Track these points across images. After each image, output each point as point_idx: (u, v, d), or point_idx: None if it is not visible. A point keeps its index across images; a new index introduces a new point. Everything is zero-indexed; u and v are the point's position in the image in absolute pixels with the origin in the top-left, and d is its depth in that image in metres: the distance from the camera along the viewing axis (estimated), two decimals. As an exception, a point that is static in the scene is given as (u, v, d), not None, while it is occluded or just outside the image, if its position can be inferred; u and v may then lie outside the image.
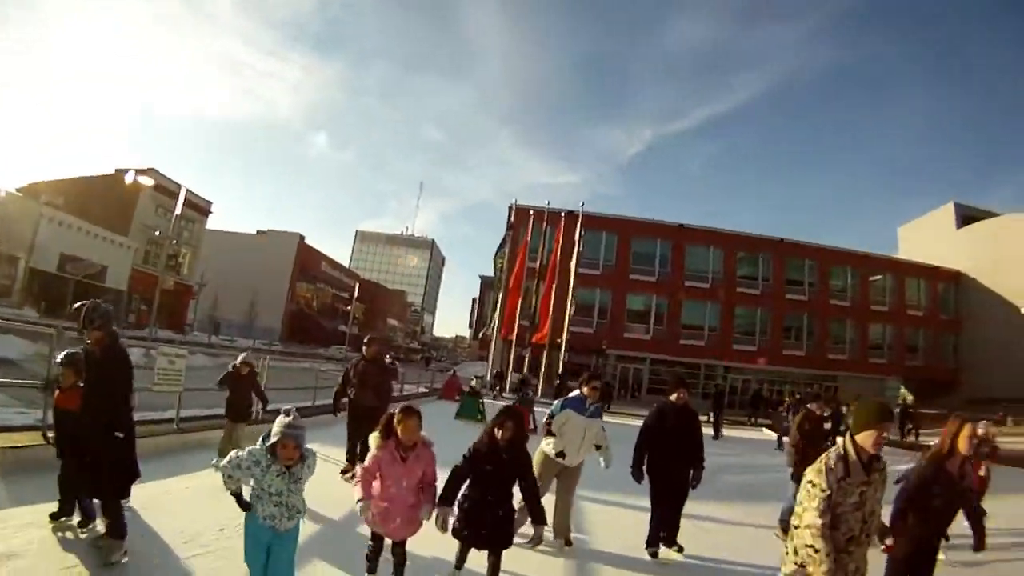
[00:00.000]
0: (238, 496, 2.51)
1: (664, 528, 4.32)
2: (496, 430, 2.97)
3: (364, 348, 5.84)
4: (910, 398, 33.38)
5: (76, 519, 3.29)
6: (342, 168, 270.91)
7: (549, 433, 4.30)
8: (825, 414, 6.29)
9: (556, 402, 4.44)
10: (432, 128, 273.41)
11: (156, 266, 32.41)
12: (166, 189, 33.25)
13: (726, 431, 15.73)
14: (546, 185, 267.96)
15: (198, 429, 5.91)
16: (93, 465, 3.06)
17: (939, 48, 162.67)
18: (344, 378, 5.80)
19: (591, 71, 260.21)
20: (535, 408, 11.50)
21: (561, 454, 4.22)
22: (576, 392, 4.40)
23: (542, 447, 4.30)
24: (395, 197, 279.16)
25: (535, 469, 3.99)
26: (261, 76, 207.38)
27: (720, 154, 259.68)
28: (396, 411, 2.83)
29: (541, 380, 25.36)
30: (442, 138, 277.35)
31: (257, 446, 2.45)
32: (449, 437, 5.00)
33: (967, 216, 38.39)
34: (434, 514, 2.79)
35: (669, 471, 4.25)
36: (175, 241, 28.14)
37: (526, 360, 25.93)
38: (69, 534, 3.21)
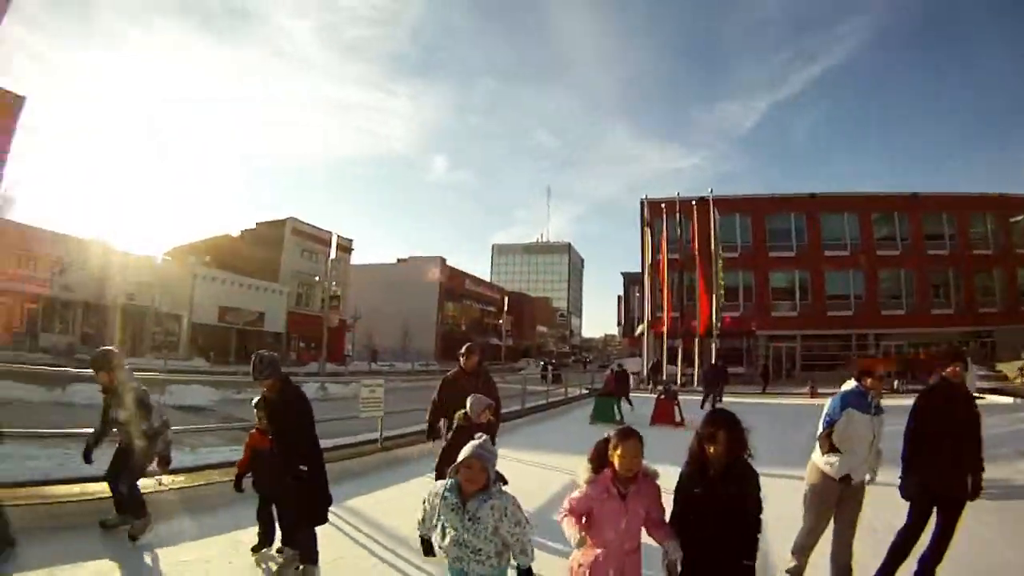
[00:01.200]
0: (425, 541, 2.28)
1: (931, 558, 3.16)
2: (706, 444, 2.24)
3: (462, 359, 4.90)
4: None
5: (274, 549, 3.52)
6: (464, 186, 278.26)
7: (832, 449, 3.13)
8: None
9: (831, 401, 3.27)
10: (545, 135, 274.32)
11: (309, 306, 35.38)
12: (307, 234, 36.09)
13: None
14: (669, 171, 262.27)
15: (400, 446, 6.80)
16: (287, 499, 3.30)
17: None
18: (440, 394, 4.86)
19: (688, 51, 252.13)
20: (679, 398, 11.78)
21: (847, 477, 3.12)
22: (851, 384, 3.27)
23: (819, 467, 3.23)
24: (522, 206, 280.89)
25: (806, 501, 3.30)
26: (371, 112, 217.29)
27: (839, 113, 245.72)
28: (611, 435, 2.27)
29: (696, 369, 25.99)
30: (556, 143, 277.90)
31: (450, 479, 2.14)
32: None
33: None
34: (676, 556, 2.17)
35: (949, 479, 3.13)
36: (334, 283, 30.53)
37: (679, 351, 26.54)
38: (272, 564, 3.46)
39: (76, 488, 3.99)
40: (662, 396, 11.92)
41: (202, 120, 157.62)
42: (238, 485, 3.60)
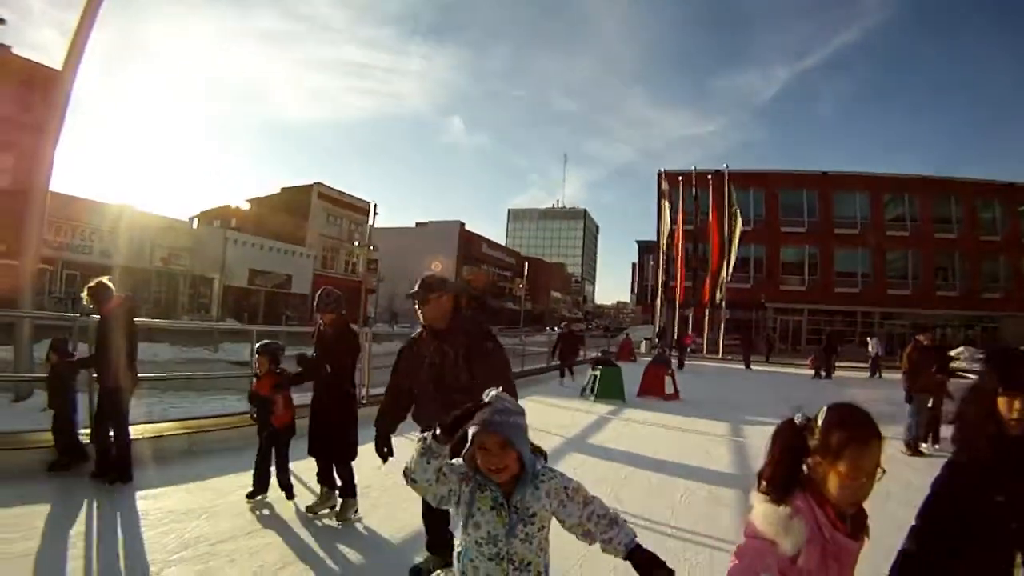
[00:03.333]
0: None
1: None
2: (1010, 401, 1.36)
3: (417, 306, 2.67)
4: None
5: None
6: (481, 150, 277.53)
7: None
8: (930, 344, 6.98)
9: None
10: (563, 99, 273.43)
11: (334, 269, 36.10)
12: (332, 198, 36.78)
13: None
14: (686, 138, 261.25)
15: None
16: (329, 432, 3.37)
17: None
18: (396, 374, 2.85)
19: (711, 17, 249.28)
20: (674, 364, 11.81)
21: None
22: None
23: None
24: (536, 171, 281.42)
25: None
26: (388, 73, 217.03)
27: (856, 88, 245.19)
28: (824, 418, 1.18)
29: (705, 339, 26.70)
30: (575, 108, 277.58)
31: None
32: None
33: None
34: None
35: None
36: (372, 247, 31.38)
37: (690, 320, 27.20)
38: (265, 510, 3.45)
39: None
40: (651, 362, 11.08)
41: (222, 88, 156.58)
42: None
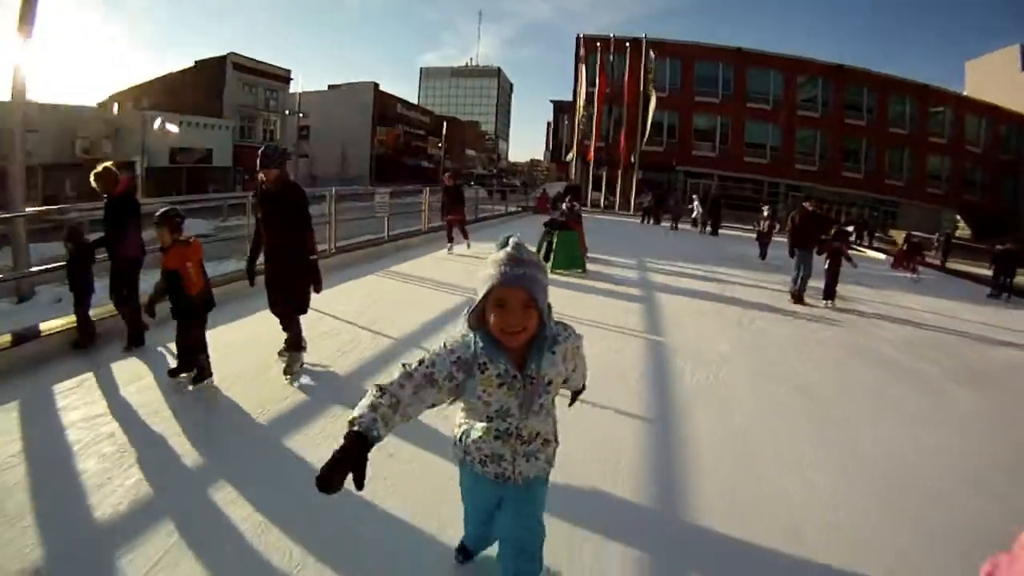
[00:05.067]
0: (358, 445, 1.06)
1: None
2: None
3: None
4: (967, 231, 34.26)
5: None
6: (392, 4, 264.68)
7: None
8: (813, 208, 7.87)
9: None
10: None
11: (252, 139, 35.59)
12: (247, 68, 36.09)
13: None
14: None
15: (401, 237, 9.78)
16: (285, 285, 3.34)
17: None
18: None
19: None
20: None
21: None
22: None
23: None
24: (450, 28, 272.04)
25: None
26: None
27: None
28: None
29: (618, 197, 27.59)
30: None
31: (458, 329, 1.25)
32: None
33: None
34: None
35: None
36: (301, 114, 31.01)
37: (603, 179, 28.02)
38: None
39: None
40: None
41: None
42: (150, 311, 3.35)
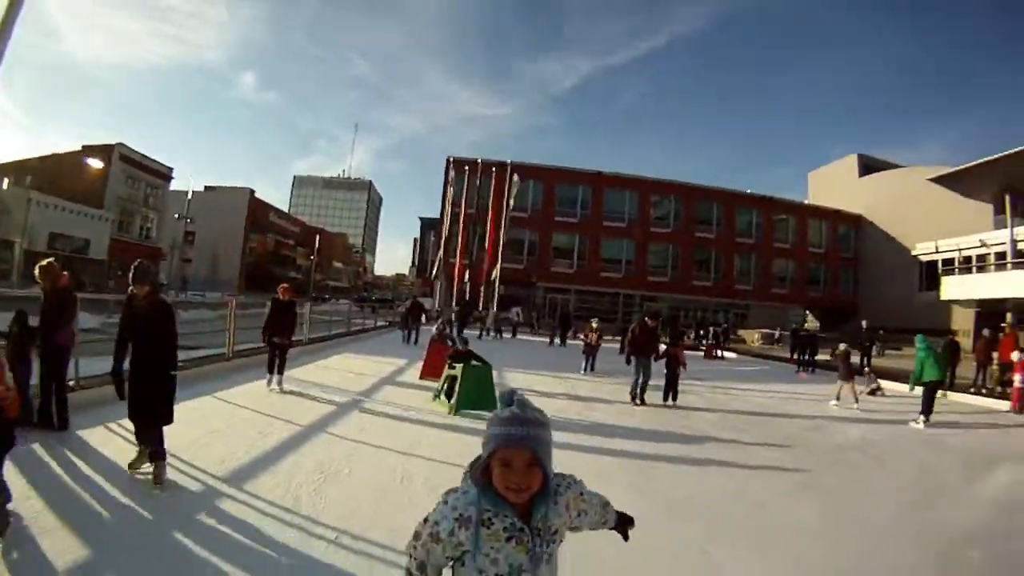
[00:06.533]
0: None
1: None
2: None
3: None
4: (816, 324, 38.34)
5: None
6: (268, 110, 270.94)
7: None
8: (653, 325, 8.62)
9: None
10: (362, 64, 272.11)
11: (129, 233, 35.29)
12: (134, 161, 36.04)
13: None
14: (479, 117, 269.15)
15: (245, 355, 8.26)
16: (148, 398, 3.45)
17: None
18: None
19: (526, 3, 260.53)
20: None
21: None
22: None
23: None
24: (324, 136, 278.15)
25: None
26: (187, 18, 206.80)
27: (649, 93, 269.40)
28: None
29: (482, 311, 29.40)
30: (372, 75, 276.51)
31: (459, 490, 1.23)
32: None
33: (869, 166, 42.84)
34: None
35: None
36: (189, 219, 31.22)
37: (467, 294, 29.82)
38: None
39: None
40: (435, 339, 9.67)
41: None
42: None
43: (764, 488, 4.46)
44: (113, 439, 4.25)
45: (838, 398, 9.60)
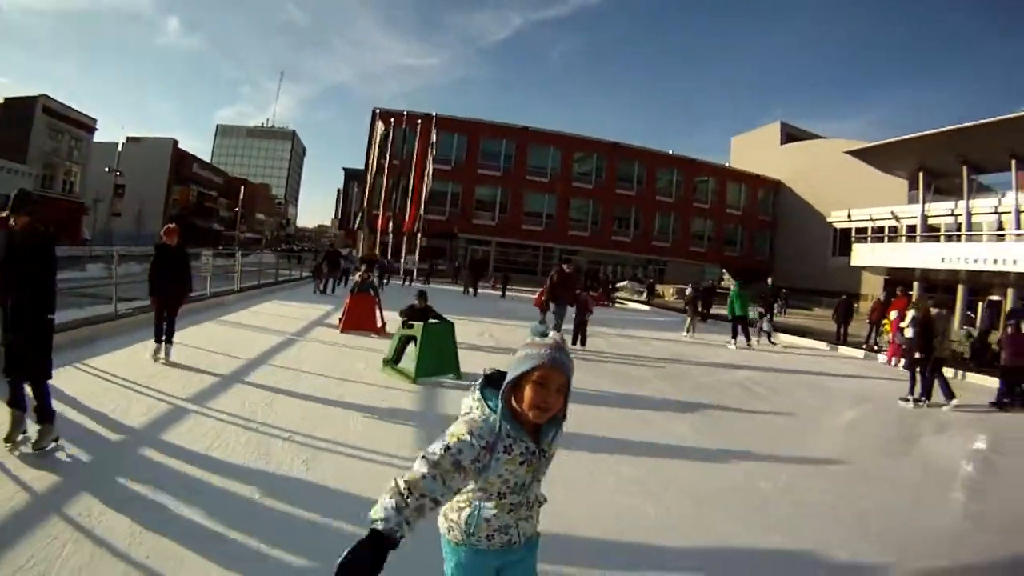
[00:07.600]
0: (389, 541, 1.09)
1: None
2: None
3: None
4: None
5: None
6: (192, 55, 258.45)
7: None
8: (570, 271, 9.18)
9: None
10: (295, 9, 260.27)
11: (52, 189, 34.28)
12: (59, 113, 34.57)
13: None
14: (407, 67, 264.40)
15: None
16: (25, 347, 3.01)
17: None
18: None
19: None
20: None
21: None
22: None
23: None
24: (249, 83, 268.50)
25: None
26: None
27: (582, 49, 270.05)
28: None
29: (402, 263, 30.51)
30: (302, 19, 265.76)
31: (475, 407, 1.28)
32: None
33: (791, 135, 45.07)
34: None
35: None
36: (119, 172, 30.32)
37: (389, 245, 30.78)
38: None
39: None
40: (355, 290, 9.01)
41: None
42: None
43: (652, 411, 5.57)
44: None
45: (687, 330, 12.56)
